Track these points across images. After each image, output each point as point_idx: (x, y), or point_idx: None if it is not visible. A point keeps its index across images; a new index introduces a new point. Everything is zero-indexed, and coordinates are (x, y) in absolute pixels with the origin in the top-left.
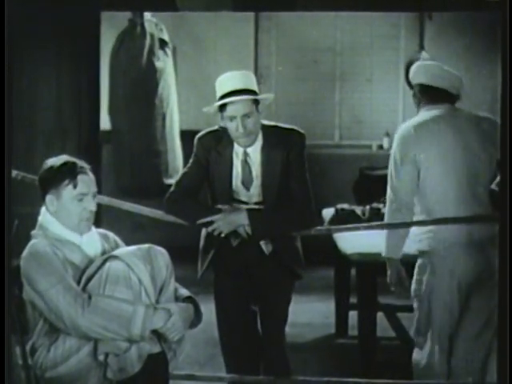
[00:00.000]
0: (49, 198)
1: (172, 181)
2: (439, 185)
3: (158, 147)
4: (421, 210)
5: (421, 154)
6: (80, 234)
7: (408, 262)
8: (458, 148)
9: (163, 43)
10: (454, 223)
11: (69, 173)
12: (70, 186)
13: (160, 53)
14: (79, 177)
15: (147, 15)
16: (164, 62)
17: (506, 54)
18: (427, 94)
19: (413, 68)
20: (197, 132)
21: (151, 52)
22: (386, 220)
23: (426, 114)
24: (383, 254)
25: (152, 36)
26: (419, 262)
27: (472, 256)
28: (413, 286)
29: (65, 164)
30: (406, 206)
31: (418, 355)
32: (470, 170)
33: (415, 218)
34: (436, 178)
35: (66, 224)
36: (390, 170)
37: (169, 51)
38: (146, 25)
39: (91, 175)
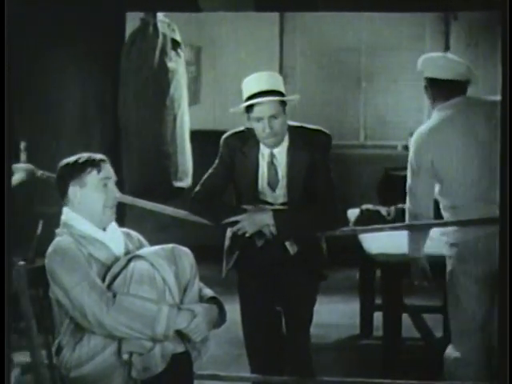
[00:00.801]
0: (72, 189)
1: (181, 184)
2: (460, 184)
3: (167, 148)
4: (445, 206)
5: (437, 157)
6: (104, 228)
7: (432, 263)
8: (472, 146)
9: (176, 44)
10: (462, 225)
11: (89, 162)
12: (94, 172)
13: (172, 53)
14: (101, 163)
15: (160, 15)
16: (176, 63)
17: (506, 53)
18: (437, 87)
19: (420, 61)
20: (221, 132)
21: (163, 52)
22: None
23: (439, 115)
24: (408, 253)
25: (164, 36)
26: (450, 253)
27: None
28: (447, 278)
29: (79, 158)
30: (424, 213)
31: (450, 349)
32: (487, 165)
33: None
34: (456, 177)
35: (91, 215)
36: (408, 177)
37: (181, 52)
38: (159, 25)
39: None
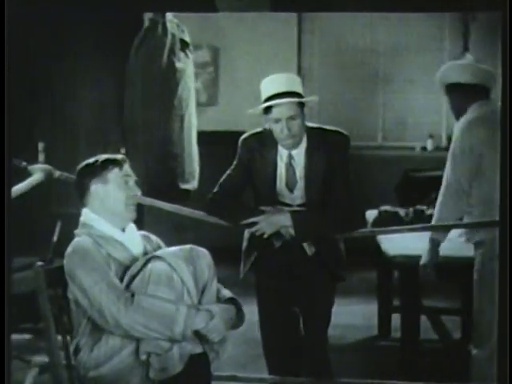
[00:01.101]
0: (94, 187)
1: (187, 186)
2: (495, 175)
3: (174, 150)
4: (478, 201)
5: (485, 146)
6: (123, 229)
7: (450, 264)
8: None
9: (184, 44)
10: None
11: (110, 160)
12: (116, 169)
13: (181, 54)
14: (122, 162)
15: (169, 15)
16: (185, 64)
17: (506, 53)
18: (464, 92)
19: (445, 69)
20: (239, 133)
21: (172, 52)
22: (440, 201)
23: (479, 110)
24: (430, 237)
25: (173, 36)
26: (477, 252)
27: None
28: (475, 277)
29: (99, 158)
30: (463, 190)
31: (479, 350)
32: None
33: (472, 210)
34: (493, 169)
35: (112, 212)
36: (453, 156)
37: (189, 53)
38: (168, 25)
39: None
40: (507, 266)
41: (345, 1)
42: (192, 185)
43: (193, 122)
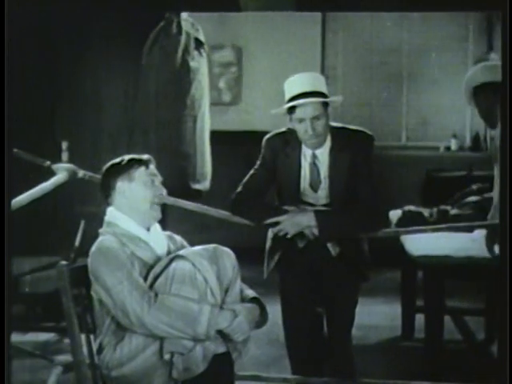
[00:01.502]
0: (120, 185)
1: (199, 186)
2: None
3: (186, 149)
4: None
5: None
6: (148, 228)
7: (474, 265)
8: None
9: (199, 43)
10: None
11: (136, 160)
12: (142, 168)
13: (195, 53)
14: (148, 162)
15: (184, 14)
16: (198, 63)
17: (506, 53)
18: (497, 92)
19: (476, 70)
20: (258, 132)
21: (186, 51)
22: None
23: None
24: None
25: (188, 35)
26: None
27: None
28: None
29: (125, 157)
30: None
31: None
32: None
33: None
34: None
35: (138, 211)
36: None
37: (204, 53)
38: (183, 23)
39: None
40: (507, 265)
41: (369, 0)
42: (203, 185)
43: (206, 122)
